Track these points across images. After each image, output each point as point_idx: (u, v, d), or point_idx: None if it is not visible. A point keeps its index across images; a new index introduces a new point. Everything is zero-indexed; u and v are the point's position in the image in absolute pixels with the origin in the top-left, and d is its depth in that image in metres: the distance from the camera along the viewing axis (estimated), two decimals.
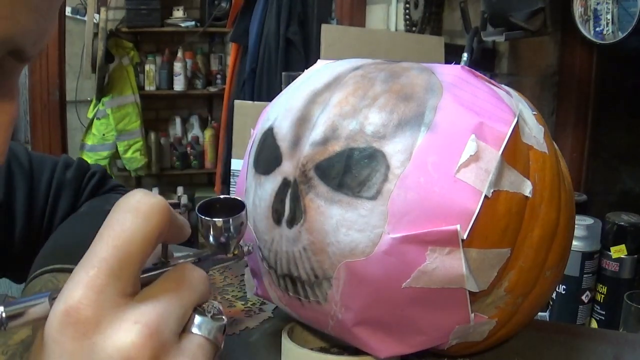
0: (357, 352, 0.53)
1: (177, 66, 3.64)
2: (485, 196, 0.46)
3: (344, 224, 0.48)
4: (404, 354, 0.52)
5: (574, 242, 0.62)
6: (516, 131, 0.50)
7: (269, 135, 0.55)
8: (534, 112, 0.55)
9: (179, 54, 3.66)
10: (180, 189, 3.78)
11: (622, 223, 0.90)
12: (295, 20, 2.38)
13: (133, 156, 3.57)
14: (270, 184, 0.53)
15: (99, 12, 3.16)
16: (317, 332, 0.57)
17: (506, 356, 0.57)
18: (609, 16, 1.25)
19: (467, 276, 0.46)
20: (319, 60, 0.63)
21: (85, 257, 0.31)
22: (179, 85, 3.66)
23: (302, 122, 0.52)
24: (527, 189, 0.49)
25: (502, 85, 0.55)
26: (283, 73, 1.24)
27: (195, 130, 3.89)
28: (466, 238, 0.46)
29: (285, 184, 0.52)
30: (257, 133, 0.58)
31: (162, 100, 3.84)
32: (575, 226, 0.60)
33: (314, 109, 0.52)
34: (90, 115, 3.48)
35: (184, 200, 3.68)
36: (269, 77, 2.37)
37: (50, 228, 0.63)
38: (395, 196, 0.47)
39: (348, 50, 1.30)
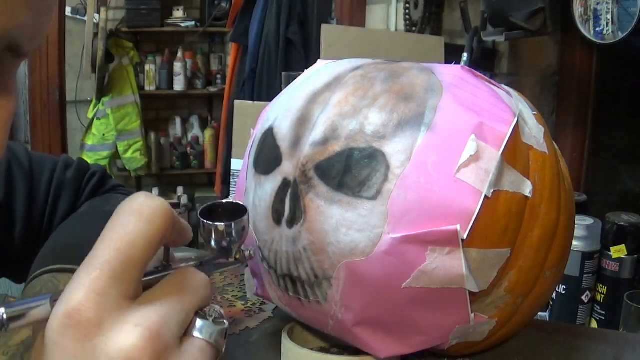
0: (357, 352, 0.53)
1: (177, 66, 3.64)
2: (485, 196, 0.46)
3: (344, 224, 0.48)
4: (404, 354, 0.52)
5: (574, 242, 0.62)
6: (516, 131, 0.50)
7: (269, 135, 0.55)
8: (534, 112, 0.55)
9: (179, 54, 3.66)
10: (180, 189, 3.78)
11: (622, 223, 0.90)
12: (295, 20, 2.38)
13: (133, 156, 3.57)
14: (270, 184, 0.53)
15: (99, 12, 3.16)
16: (317, 332, 0.57)
17: (506, 356, 0.57)
18: (609, 16, 1.25)
19: (467, 276, 0.46)
20: (319, 60, 0.63)
21: (87, 260, 0.31)
22: (179, 85, 3.66)
23: (302, 122, 0.52)
24: (527, 189, 0.49)
25: (502, 85, 0.55)
26: (283, 73, 1.24)
27: (195, 130, 3.89)
28: (466, 238, 0.46)
29: (285, 184, 0.52)
30: (257, 133, 0.58)
31: (162, 100, 3.83)
32: (575, 226, 0.60)
33: (314, 109, 0.52)
34: (90, 115, 3.48)
35: (184, 200, 3.68)
36: (269, 77, 2.37)
37: (50, 228, 0.63)
38: (395, 196, 0.47)
39: (348, 50, 1.30)
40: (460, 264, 0.46)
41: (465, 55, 1.63)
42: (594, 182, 1.61)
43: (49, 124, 3.24)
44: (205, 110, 3.98)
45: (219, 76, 3.78)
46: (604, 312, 0.91)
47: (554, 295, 0.93)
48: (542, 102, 1.63)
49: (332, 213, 0.48)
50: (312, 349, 0.56)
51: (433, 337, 0.50)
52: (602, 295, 0.91)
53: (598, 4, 1.28)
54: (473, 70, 0.54)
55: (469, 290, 0.47)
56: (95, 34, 3.15)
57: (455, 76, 0.52)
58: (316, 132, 0.51)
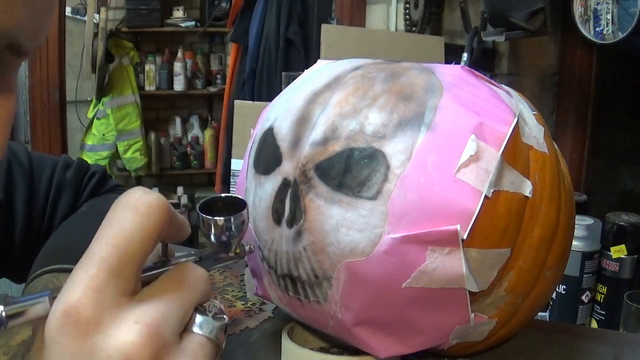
0: (357, 352, 0.53)
1: (177, 66, 3.64)
2: (485, 196, 0.46)
3: (344, 224, 0.48)
4: (404, 354, 0.52)
5: (574, 242, 0.62)
6: (516, 131, 0.50)
7: (269, 135, 0.55)
8: (534, 112, 0.55)
9: (179, 54, 3.66)
10: (180, 189, 3.78)
11: (622, 223, 0.90)
12: (295, 20, 2.38)
13: (133, 156, 3.57)
14: (270, 184, 0.53)
15: (99, 12, 3.16)
16: (317, 332, 0.57)
17: (506, 356, 0.57)
18: (609, 16, 1.25)
19: (467, 276, 0.46)
20: (319, 60, 0.63)
21: (84, 257, 0.30)
22: (179, 85, 3.66)
23: (302, 122, 0.52)
24: (527, 189, 0.49)
25: (502, 85, 0.55)
26: (283, 73, 1.24)
27: (195, 130, 3.89)
28: (466, 238, 0.46)
29: (285, 184, 0.52)
30: (257, 133, 0.58)
31: (162, 100, 3.84)
32: (575, 226, 0.60)
33: (314, 109, 0.52)
34: (90, 115, 3.48)
35: (184, 200, 3.68)
36: (269, 77, 2.37)
37: (50, 228, 0.63)
38: (395, 196, 0.47)
39: (348, 50, 1.30)
40: (460, 264, 0.46)
41: (465, 55, 1.63)
42: (594, 182, 1.61)
43: (49, 124, 3.24)
44: (205, 110, 3.98)
45: (219, 76, 3.78)
46: (604, 312, 0.91)
47: (554, 295, 0.93)
48: (542, 102, 1.63)
49: (332, 213, 0.48)
50: (312, 349, 0.56)
51: (433, 337, 0.50)
52: (602, 295, 0.91)
53: (598, 4, 1.28)
54: (473, 70, 0.54)
55: (469, 290, 0.47)
56: (95, 34, 3.15)
57: (455, 76, 0.52)
58: (316, 132, 0.51)
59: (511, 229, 0.49)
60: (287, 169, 0.52)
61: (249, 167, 0.57)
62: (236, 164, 1.04)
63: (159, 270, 0.34)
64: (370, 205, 0.47)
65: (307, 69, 0.62)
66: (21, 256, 0.61)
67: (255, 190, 0.55)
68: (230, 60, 2.75)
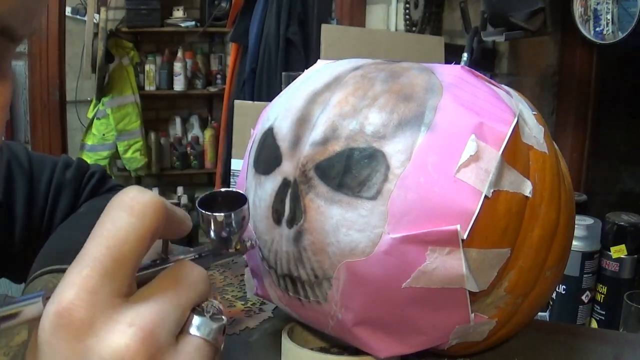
0: (357, 352, 0.53)
1: (177, 66, 3.64)
2: (485, 196, 0.46)
3: (344, 224, 0.48)
4: (404, 354, 0.52)
5: (574, 242, 0.62)
6: (516, 131, 0.50)
7: (269, 135, 0.55)
8: (534, 112, 0.55)
9: (179, 54, 3.66)
10: (180, 189, 3.78)
11: (622, 223, 0.90)
12: (295, 20, 2.38)
13: (133, 156, 3.57)
14: (270, 184, 0.53)
15: (99, 12, 3.16)
16: (317, 332, 0.57)
17: (506, 356, 0.57)
18: (609, 16, 1.25)
19: (467, 276, 0.46)
20: (319, 60, 0.63)
21: (78, 257, 0.30)
22: (179, 85, 3.66)
23: (302, 122, 0.52)
24: (527, 189, 0.49)
25: (502, 85, 0.55)
26: (283, 73, 1.24)
27: (195, 130, 3.89)
28: (466, 238, 0.46)
29: (285, 184, 0.52)
30: (257, 133, 0.58)
31: (162, 100, 3.84)
32: (575, 226, 0.60)
33: (314, 109, 0.52)
34: (90, 115, 3.48)
35: (184, 200, 3.68)
36: (269, 77, 2.37)
37: (50, 228, 0.63)
38: (395, 196, 0.47)
39: (348, 50, 1.30)
40: (460, 264, 0.46)
41: (465, 55, 1.63)
42: (594, 182, 1.61)
43: (49, 124, 3.24)
44: (205, 110, 3.98)
45: (219, 76, 3.78)
46: (604, 312, 0.91)
47: (554, 295, 0.93)
48: (542, 102, 1.63)
49: (332, 213, 0.48)
50: (312, 349, 0.56)
51: (433, 337, 0.50)
52: (602, 295, 0.91)
53: (598, 4, 1.28)
54: (473, 70, 0.54)
55: (469, 290, 0.47)
56: (95, 34, 3.15)
57: (455, 76, 0.52)
58: (316, 132, 0.51)
59: (511, 229, 0.49)
60: (287, 169, 0.52)
61: (249, 167, 0.57)
62: (236, 164, 1.04)
63: (156, 269, 0.34)
64: (370, 205, 0.47)
65: (307, 69, 0.62)
66: (21, 256, 0.61)
67: (255, 190, 0.55)
68: (230, 60, 2.75)
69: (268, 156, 0.54)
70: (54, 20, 3.06)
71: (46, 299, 0.30)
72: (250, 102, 1.25)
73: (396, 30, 2.34)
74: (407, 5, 2.16)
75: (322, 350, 0.57)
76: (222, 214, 0.37)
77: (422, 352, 0.52)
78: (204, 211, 0.37)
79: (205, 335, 0.32)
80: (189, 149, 3.84)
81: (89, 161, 0.75)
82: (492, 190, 0.47)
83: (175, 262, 0.34)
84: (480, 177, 0.46)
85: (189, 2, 3.75)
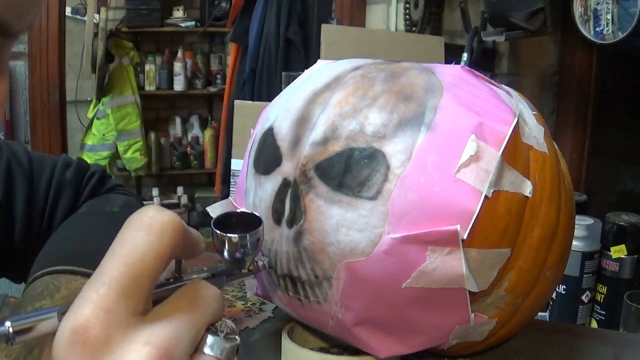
0: (357, 352, 0.53)
1: (177, 66, 3.64)
2: (485, 196, 0.46)
3: (344, 224, 0.48)
4: (404, 354, 0.52)
5: (574, 242, 0.62)
6: (516, 131, 0.50)
7: (269, 135, 0.55)
8: (534, 112, 0.55)
9: (179, 54, 3.66)
10: (180, 189, 3.78)
11: (622, 223, 0.90)
12: (295, 20, 2.38)
13: (133, 156, 3.57)
14: (270, 184, 0.53)
15: (99, 12, 3.16)
16: (317, 332, 0.57)
17: (506, 356, 0.57)
18: (609, 16, 1.25)
19: (467, 276, 0.46)
20: (319, 60, 0.63)
21: (95, 275, 0.30)
22: (179, 85, 3.66)
23: (302, 122, 0.52)
24: (527, 189, 0.49)
25: (502, 85, 0.55)
26: (283, 73, 1.24)
27: (195, 130, 3.89)
28: (466, 238, 0.46)
29: (285, 184, 0.52)
30: (257, 133, 0.58)
31: (162, 100, 3.84)
32: (575, 226, 0.60)
33: (314, 109, 0.52)
34: (90, 115, 3.48)
35: (184, 200, 3.68)
36: (269, 77, 2.37)
37: (50, 228, 0.63)
38: (395, 196, 0.47)
39: (348, 50, 1.30)
40: (460, 264, 0.46)
41: (465, 55, 1.63)
42: (594, 182, 1.61)
43: (49, 124, 3.24)
44: (205, 110, 3.98)
45: (219, 76, 3.78)
46: (604, 312, 0.91)
47: (554, 295, 0.93)
48: (542, 102, 1.63)
49: (332, 213, 0.48)
50: (312, 349, 0.56)
51: (433, 337, 0.50)
52: (602, 295, 0.91)
53: (598, 4, 1.28)
54: (473, 70, 0.54)
55: (469, 290, 0.47)
56: (95, 34, 3.15)
57: (455, 76, 0.52)
58: (316, 132, 0.50)
59: (511, 229, 0.49)
60: (287, 169, 0.52)
61: (249, 167, 0.57)
62: (236, 164, 1.03)
63: (171, 287, 0.34)
64: (370, 205, 0.47)
65: (307, 69, 0.62)
66: (21, 256, 0.61)
67: (255, 190, 0.55)
68: (230, 60, 2.75)
69: (268, 156, 0.54)
70: (54, 20, 3.06)
71: (61, 314, 0.30)
72: (250, 102, 1.25)
73: (396, 30, 2.34)
74: (407, 5, 2.16)
75: (322, 350, 0.57)
76: (237, 235, 0.37)
77: (422, 352, 0.52)
78: (218, 231, 0.37)
79: (219, 354, 0.32)
80: (189, 149, 3.84)
81: (89, 161, 0.75)
82: (492, 190, 0.47)
83: (190, 281, 0.34)
84: (480, 177, 0.46)
85: (189, 2, 3.75)
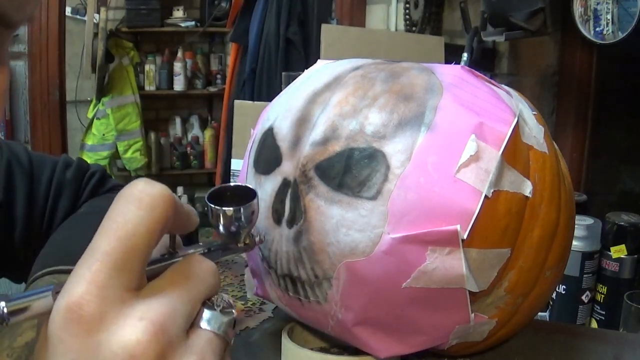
0: (357, 352, 0.53)
1: (177, 66, 3.64)
2: (485, 196, 0.46)
3: (344, 224, 0.48)
4: (404, 354, 0.52)
5: (574, 242, 0.62)
6: (516, 131, 0.50)
7: (269, 135, 0.55)
8: (534, 112, 0.55)
9: (179, 54, 3.66)
10: (180, 189, 3.78)
11: (622, 223, 0.90)
12: (295, 20, 2.38)
13: (133, 156, 3.57)
14: (270, 184, 0.53)
15: (99, 12, 3.16)
16: (317, 332, 0.57)
17: (506, 356, 0.57)
18: (609, 16, 1.25)
19: (467, 276, 0.46)
20: (319, 60, 0.63)
21: (87, 251, 0.29)
22: (179, 85, 3.66)
23: (302, 122, 0.52)
24: (527, 189, 0.49)
25: (502, 85, 0.55)
26: (283, 73, 1.24)
27: (195, 130, 3.90)
28: (466, 238, 0.46)
29: (285, 184, 0.52)
30: (257, 133, 0.58)
31: (162, 100, 3.84)
32: (575, 226, 0.60)
33: (314, 109, 0.52)
34: (90, 115, 3.48)
35: (184, 200, 3.68)
36: (269, 77, 2.37)
37: (50, 228, 0.63)
38: (395, 196, 0.47)
39: (348, 50, 1.30)
40: (460, 264, 0.46)
41: (465, 55, 1.63)
42: (594, 182, 1.61)
43: (49, 124, 3.24)
44: (205, 110, 3.98)
45: (219, 76, 3.78)
46: (604, 312, 0.91)
47: (554, 295, 0.93)
48: (542, 102, 1.63)
49: (332, 213, 0.48)
50: (312, 349, 0.56)
51: (433, 337, 0.50)
52: (602, 295, 0.91)
53: (598, 4, 1.28)
54: (473, 70, 0.54)
55: (469, 290, 0.47)
56: (95, 34, 3.15)
57: (455, 76, 0.52)
58: (316, 132, 0.51)
59: (511, 229, 0.49)
60: (287, 169, 0.52)
61: (249, 167, 0.57)
62: (236, 164, 1.04)
63: (165, 263, 0.33)
64: (370, 205, 0.47)
65: (307, 69, 0.62)
66: (21, 256, 0.61)
67: None
68: (230, 60, 2.75)
69: (268, 156, 0.54)
70: (54, 20, 3.07)
71: (56, 293, 0.29)
72: (250, 102, 1.25)
73: (396, 30, 2.34)
74: (407, 5, 2.16)
75: (322, 350, 0.57)
76: (232, 208, 0.37)
77: (422, 352, 0.52)
78: (213, 205, 0.37)
79: (216, 329, 0.31)
80: (189, 149, 3.84)
81: (89, 161, 0.75)
82: (492, 190, 0.47)
83: (185, 256, 0.34)
84: (480, 177, 0.46)
85: (189, 2, 3.75)
